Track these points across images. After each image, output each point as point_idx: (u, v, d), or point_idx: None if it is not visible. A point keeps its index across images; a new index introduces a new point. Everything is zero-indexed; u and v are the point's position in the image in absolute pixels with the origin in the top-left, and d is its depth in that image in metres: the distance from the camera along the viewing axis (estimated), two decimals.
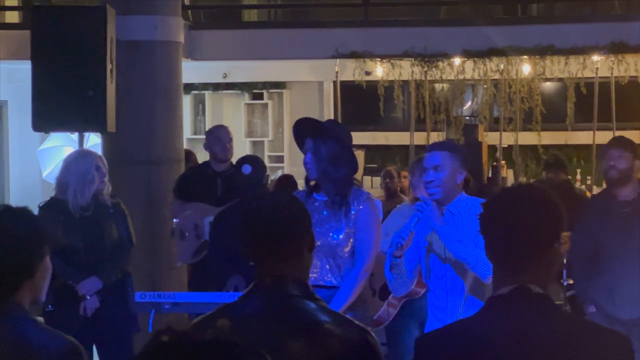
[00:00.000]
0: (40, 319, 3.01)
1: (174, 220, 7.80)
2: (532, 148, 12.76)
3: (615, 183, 6.22)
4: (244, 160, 7.78)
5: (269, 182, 9.41)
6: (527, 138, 12.24)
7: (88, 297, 6.46)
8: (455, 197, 4.96)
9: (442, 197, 4.95)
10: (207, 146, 7.91)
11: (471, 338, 2.65)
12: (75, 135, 8.01)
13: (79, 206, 6.52)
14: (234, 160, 7.78)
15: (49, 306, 6.38)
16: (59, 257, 6.22)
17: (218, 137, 7.86)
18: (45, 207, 6.53)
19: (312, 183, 5.30)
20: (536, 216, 2.66)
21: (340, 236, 5.17)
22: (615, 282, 6.10)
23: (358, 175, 11.90)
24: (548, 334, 2.60)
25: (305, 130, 5.31)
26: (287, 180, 9.85)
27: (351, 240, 5.17)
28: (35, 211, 6.25)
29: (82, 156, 6.67)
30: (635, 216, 6.09)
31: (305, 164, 5.24)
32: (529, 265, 2.67)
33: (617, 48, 11.02)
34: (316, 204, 5.24)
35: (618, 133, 11.26)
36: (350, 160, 5.28)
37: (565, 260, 7.85)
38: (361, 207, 5.19)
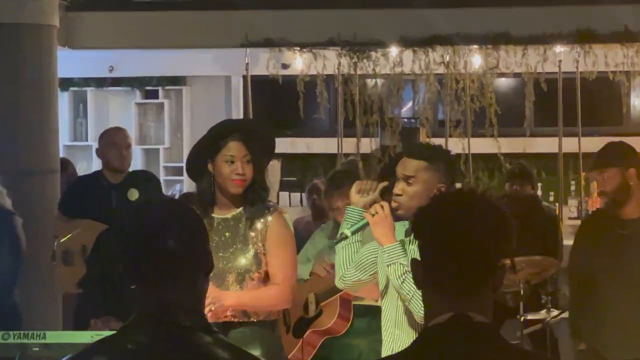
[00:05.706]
0: None
1: (57, 241, 7.74)
2: (485, 157, 12.80)
3: (613, 207, 6.09)
4: (132, 181, 7.71)
5: None
6: (478, 144, 12.31)
7: None
8: None
9: (407, 214, 4.75)
10: (100, 153, 7.92)
11: None
12: None
13: None
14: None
15: None
16: None
17: (113, 142, 7.87)
18: None
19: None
20: (478, 225, 2.65)
21: (248, 259, 5.16)
22: (605, 315, 6.03)
23: (273, 190, 11.96)
24: None
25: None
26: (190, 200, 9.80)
27: (262, 262, 5.16)
28: None
29: None
30: (634, 239, 5.99)
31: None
32: (469, 288, 2.67)
33: (583, 37, 11.18)
34: (215, 223, 5.22)
35: (585, 139, 11.40)
36: None
37: (522, 292, 7.95)
38: (268, 222, 5.18)
